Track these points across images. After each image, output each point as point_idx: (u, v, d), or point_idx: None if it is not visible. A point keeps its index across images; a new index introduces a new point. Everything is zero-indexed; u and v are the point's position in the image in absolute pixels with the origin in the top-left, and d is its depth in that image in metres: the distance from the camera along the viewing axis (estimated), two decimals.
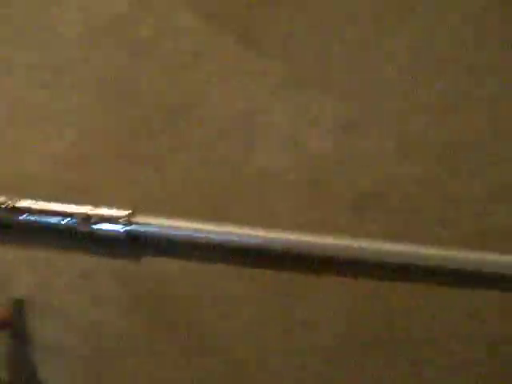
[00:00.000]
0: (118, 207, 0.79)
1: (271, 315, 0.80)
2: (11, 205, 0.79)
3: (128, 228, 0.78)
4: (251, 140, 0.88)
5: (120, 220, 0.78)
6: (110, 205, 0.80)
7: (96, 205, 0.79)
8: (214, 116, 0.90)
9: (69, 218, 0.78)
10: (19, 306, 0.81)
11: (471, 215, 0.80)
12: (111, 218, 0.78)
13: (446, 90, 0.88)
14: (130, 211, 0.79)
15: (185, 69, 0.93)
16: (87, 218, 0.77)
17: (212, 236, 0.78)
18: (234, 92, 0.91)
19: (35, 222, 0.79)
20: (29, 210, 0.79)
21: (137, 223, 0.78)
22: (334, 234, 0.77)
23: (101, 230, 0.78)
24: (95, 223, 0.78)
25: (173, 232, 0.79)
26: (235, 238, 0.79)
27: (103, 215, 0.78)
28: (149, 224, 0.79)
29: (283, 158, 0.86)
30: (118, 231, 0.78)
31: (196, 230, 0.78)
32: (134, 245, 0.81)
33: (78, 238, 0.80)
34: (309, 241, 0.77)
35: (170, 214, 0.80)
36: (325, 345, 0.78)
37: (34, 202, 0.79)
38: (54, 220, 0.79)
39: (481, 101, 0.85)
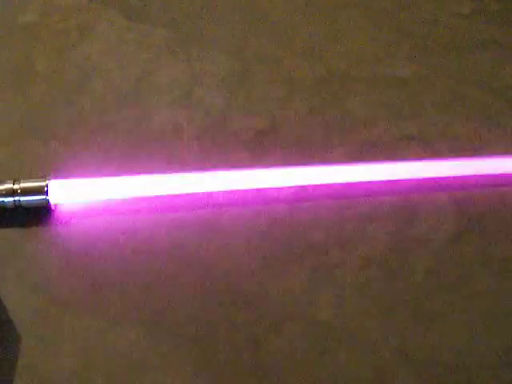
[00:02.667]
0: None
1: None
2: None
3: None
4: (148, 102, 0.94)
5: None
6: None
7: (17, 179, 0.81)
8: (109, 85, 0.95)
9: None
10: None
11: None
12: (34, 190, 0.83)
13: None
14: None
15: (75, 45, 0.99)
16: (12, 193, 0.82)
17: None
18: (124, 60, 0.98)
19: None
20: None
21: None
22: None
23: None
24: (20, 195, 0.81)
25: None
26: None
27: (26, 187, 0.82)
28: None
29: (181, 113, 0.92)
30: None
31: None
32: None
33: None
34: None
35: None
36: None
37: None
38: None
39: None
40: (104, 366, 0.74)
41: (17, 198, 0.81)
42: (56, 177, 0.83)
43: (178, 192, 0.85)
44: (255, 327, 0.77)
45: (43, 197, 0.82)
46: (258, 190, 0.86)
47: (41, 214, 0.83)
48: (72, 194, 0.84)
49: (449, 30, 1.04)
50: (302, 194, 0.87)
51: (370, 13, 1.04)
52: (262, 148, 0.90)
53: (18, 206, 0.82)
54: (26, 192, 0.82)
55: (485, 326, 0.78)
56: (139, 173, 0.85)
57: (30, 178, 0.83)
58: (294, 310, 0.78)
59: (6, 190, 0.81)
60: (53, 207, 0.83)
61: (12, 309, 0.77)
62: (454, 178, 0.89)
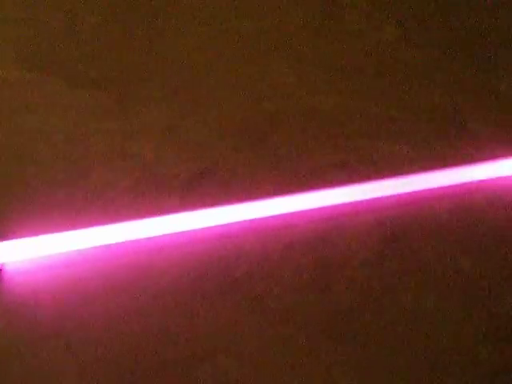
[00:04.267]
0: None
1: None
2: None
3: None
4: (86, 160, 1.01)
5: None
6: None
7: None
8: (51, 149, 1.02)
9: None
10: None
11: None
12: None
13: None
14: None
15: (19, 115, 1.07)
16: None
17: None
18: (66, 125, 1.05)
19: None
20: None
21: None
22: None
23: None
24: None
25: None
26: None
27: None
28: None
29: (116, 167, 0.99)
30: None
31: None
32: None
33: None
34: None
35: None
36: None
37: None
38: None
39: None
40: None
41: None
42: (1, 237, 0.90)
43: (113, 241, 0.91)
44: (187, 362, 0.81)
45: None
46: (187, 233, 0.91)
47: None
48: (16, 252, 0.90)
49: (374, 58, 1.09)
50: (230, 231, 0.91)
51: (294, 51, 1.10)
52: (191, 192, 0.96)
53: None
54: None
55: (408, 341, 0.81)
56: (78, 227, 0.91)
57: None
58: (223, 343, 0.82)
59: None
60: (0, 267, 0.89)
61: None
62: (377, 199, 0.93)
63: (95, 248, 0.91)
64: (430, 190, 0.95)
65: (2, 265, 0.90)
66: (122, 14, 1.19)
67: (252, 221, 0.91)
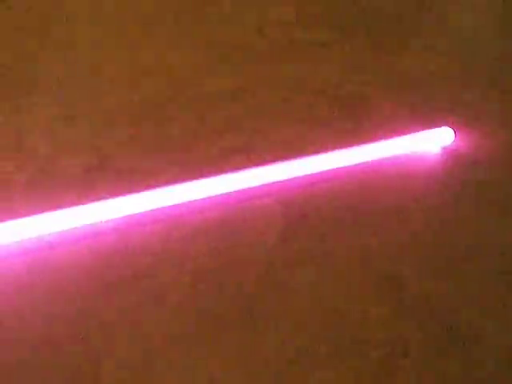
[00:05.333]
0: None
1: None
2: None
3: None
4: None
5: None
6: None
7: None
8: None
9: None
10: None
11: None
12: None
13: None
14: None
15: None
16: None
17: None
18: None
19: None
20: None
21: None
22: None
23: None
24: None
25: None
26: None
27: None
28: None
29: (10, 163, 0.95)
30: None
31: None
32: None
33: None
34: None
35: None
36: None
37: None
38: None
39: None
40: None
41: None
42: None
43: (9, 239, 0.87)
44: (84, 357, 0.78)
45: None
46: (87, 226, 0.88)
47: None
48: None
49: (271, 39, 1.08)
50: (130, 223, 0.89)
51: (186, 31, 1.08)
52: (89, 184, 0.93)
53: None
54: None
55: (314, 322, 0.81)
56: None
57: None
58: (124, 332, 0.80)
59: None
60: None
61: None
62: (279, 181, 0.93)
63: None
64: (331, 171, 0.95)
65: None
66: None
67: (153, 211, 0.89)
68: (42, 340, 0.77)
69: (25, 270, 0.85)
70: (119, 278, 0.84)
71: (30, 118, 0.98)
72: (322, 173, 0.94)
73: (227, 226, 0.89)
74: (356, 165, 0.96)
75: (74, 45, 1.09)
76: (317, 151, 0.95)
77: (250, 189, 0.92)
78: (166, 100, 1.00)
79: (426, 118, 1.03)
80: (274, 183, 0.93)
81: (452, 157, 0.99)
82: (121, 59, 1.05)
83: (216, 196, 0.91)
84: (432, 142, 1.02)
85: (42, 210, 0.88)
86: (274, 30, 1.09)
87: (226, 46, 1.06)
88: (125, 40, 1.09)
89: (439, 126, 1.03)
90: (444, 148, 1.02)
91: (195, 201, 0.91)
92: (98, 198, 0.90)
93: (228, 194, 0.91)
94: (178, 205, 0.90)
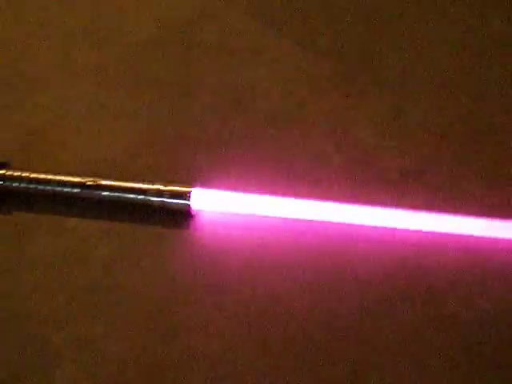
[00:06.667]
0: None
1: None
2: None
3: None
4: (301, 129, 0.99)
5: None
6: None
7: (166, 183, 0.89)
8: (267, 107, 1.01)
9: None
10: None
11: None
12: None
13: None
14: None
15: (243, 65, 1.07)
16: (160, 194, 0.89)
17: None
18: (286, 86, 1.04)
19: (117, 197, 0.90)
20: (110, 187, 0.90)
21: None
22: None
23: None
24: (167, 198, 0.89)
25: None
26: None
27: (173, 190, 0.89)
28: None
29: (331, 144, 0.96)
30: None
31: None
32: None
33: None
34: None
35: None
36: None
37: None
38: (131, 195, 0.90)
39: None
40: None
41: (163, 199, 0.88)
42: (200, 185, 0.90)
43: (317, 218, 0.88)
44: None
45: (186, 202, 0.88)
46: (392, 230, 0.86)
47: (182, 217, 0.90)
48: (212, 203, 0.89)
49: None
50: (430, 239, 0.85)
51: None
52: (405, 190, 0.90)
53: (162, 207, 0.88)
54: (172, 195, 0.88)
55: None
56: (281, 194, 0.89)
57: (179, 180, 0.91)
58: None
59: (155, 190, 0.88)
60: (193, 213, 0.89)
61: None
62: None
63: (294, 221, 0.88)
64: None
65: (196, 212, 0.89)
66: None
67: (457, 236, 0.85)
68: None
69: (320, 254, 0.85)
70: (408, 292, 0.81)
71: (360, 106, 0.98)
72: None
73: None
74: None
75: None
76: None
77: None
78: None
79: None
80: None
81: None
82: None
83: None
84: None
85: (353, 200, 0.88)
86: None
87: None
88: None
89: None
90: None
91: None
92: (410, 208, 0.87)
93: None
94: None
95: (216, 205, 0.89)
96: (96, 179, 0.91)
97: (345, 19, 1.12)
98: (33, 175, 0.91)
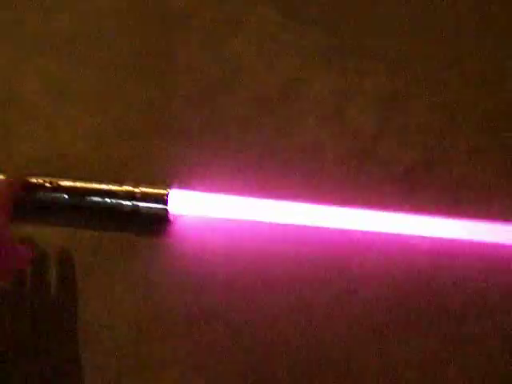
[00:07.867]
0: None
1: None
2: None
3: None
4: (291, 114, 0.85)
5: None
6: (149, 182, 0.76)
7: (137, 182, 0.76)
8: (253, 88, 0.87)
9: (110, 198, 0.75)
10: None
11: None
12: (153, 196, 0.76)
13: None
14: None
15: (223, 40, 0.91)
16: (131, 196, 0.76)
17: None
18: (273, 62, 0.89)
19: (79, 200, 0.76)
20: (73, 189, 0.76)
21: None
22: None
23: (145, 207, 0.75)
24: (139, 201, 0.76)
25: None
26: None
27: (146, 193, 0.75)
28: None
29: (326, 132, 0.84)
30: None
31: None
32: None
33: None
34: None
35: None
36: None
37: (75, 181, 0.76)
38: (96, 199, 0.75)
39: None
40: None
41: (135, 203, 0.75)
42: (178, 186, 0.77)
43: (306, 223, 0.76)
44: None
45: (162, 206, 0.75)
46: (399, 236, 0.76)
47: (158, 222, 0.77)
48: (193, 206, 0.77)
49: None
50: (445, 248, 0.75)
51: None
52: (411, 186, 0.79)
53: (134, 212, 0.76)
54: (145, 198, 0.75)
55: None
56: (268, 195, 0.77)
57: (153, 178, 0.78)
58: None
59: (125, 192, 0.75)
60: (171, 217, 0.76)
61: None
62: None
63: (280, 225, 0.77)
64: None
65: (174, 216, 0.77)
66: None
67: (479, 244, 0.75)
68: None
69: (312, 263, 0.75)
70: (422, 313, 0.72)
71: (358, 86, 0.86)
72: None
73: None
74: None
75: None
76: None
77: None
78: None
79: None
80: None
81: None
82: None
83: None
84: None
85: (350, 199, 0.76)
86: None
87: None
88: None
89: None
90: None
91: None
92: (417, 207, 0.77)
93: None
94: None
95: (197, 208, 0.77)
96: (54, 179, 0.76)
97: None
98: None
